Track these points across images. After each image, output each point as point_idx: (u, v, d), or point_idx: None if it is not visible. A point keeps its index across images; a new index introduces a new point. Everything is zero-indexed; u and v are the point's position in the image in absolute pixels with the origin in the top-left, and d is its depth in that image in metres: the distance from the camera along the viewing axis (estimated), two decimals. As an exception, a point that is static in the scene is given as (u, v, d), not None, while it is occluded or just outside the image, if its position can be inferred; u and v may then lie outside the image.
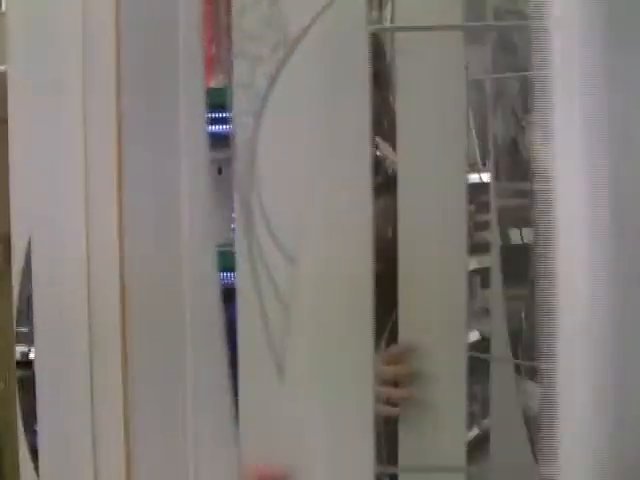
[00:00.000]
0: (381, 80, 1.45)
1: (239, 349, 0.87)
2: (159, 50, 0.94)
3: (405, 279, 1.22)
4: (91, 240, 0.90)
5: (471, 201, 2.81)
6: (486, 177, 2.58)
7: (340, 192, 0.87)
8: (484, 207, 2.86)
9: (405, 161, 1.20)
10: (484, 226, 2.80)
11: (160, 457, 0.89)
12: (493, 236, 1.11)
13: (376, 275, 1.35)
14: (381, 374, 1.24)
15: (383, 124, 1.43)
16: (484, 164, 2.67)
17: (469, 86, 1.29)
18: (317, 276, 0.87)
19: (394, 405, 1.26)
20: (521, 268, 1.35)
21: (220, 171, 1.92)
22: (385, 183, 1.31)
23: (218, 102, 1.97)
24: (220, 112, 2.00)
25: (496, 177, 1.59)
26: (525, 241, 1.51)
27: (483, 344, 2.64)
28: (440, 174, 1.21)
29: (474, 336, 2.68)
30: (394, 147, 1.37)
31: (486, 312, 2.76)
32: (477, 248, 2.84)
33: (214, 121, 2.12)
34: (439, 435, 1.20)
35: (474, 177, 2.53)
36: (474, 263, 2.69)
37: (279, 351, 0.84)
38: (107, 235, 0.89)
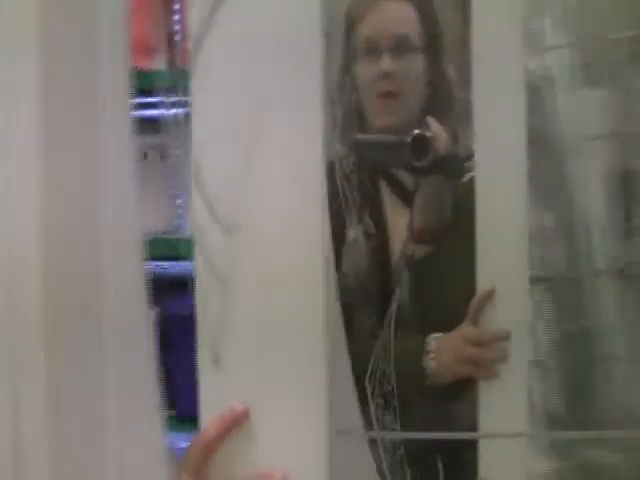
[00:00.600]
0: (435, 49, 1.41)
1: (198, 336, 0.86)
2: (81, 32, 0.92)
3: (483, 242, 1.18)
4: (11, 232, 0.87)
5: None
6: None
7: (288, 166, 0.84)
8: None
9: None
10: None
11: (84, 444, 0.87)
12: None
13: (422, 256, 1.35)
14: (465, 354, 1.27)
15: (438, 100, 1.41)
16: None
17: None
18: (262, 254, 0.84)
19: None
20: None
21: (146, 156, 1.90)
22: (435, 163, 1.31)
23: (148, 87, 1.94)
24: (150, 97, 2.01)
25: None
26: None
27: None
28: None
29: None
30: (451, 125, 1.35)
31: None
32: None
33: (144, 106, 2.11)
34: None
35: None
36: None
37: (215, 337, 0.83)
38: (29, 224, 0.86)
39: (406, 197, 1.39)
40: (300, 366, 0.85)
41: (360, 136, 1.41)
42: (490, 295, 1.21)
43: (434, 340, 1.32)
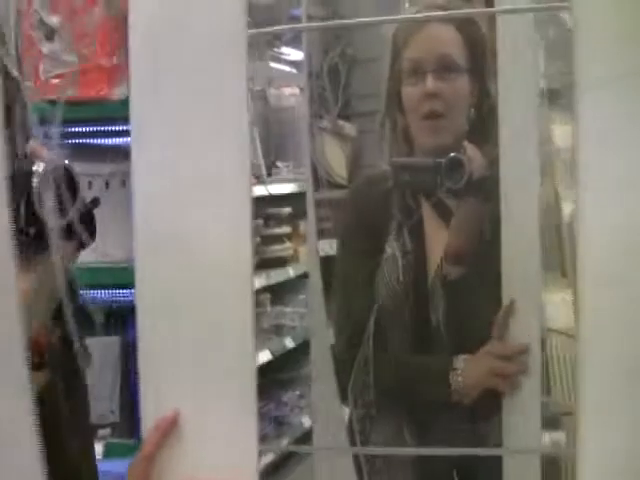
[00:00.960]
0: (480, 70, 1.38)
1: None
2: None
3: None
4: None
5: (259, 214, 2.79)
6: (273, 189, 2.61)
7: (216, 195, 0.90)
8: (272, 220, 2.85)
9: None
10: (275, 240, 2.81)
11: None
12: (310, 248, 1.10)
13: (455, 278, 1.34)
14: (495, 367, 1.26)
15: (483, 121, 1.38)
16: (269, 175, 2.70)
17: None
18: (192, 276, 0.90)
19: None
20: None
21: (107, 185, 1.93)
22: (470, 186, 1.29)
23: (111, 115, 1.95)
24: (113, 125, 2.06)
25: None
26: (321, 254, 1.47)
27: (275, 364, 2.67)
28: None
29: (265, 356, 2.67)
30: (494, 146, 1.29)
31: (276, 330, 2.84)
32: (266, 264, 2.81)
33: (107, 134, 2.17)
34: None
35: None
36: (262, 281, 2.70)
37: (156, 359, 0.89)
38: None
39: (447, 216, 1.39)
40: (230, 378, 0.88)
41: (396, 159, 1.43)
42: (512, 309, 1.21)
43: (462, 360, 1.32)
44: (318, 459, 1.22)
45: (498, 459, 1.21)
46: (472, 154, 1.30)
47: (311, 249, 1.15)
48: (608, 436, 0.89)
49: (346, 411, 1.41)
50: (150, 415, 0.92)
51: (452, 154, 1.31)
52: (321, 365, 1.16)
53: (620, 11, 0.87)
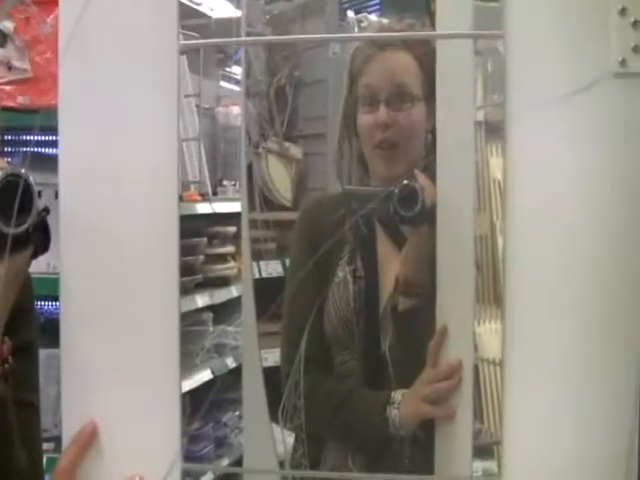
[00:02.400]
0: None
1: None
2: None
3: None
4: None
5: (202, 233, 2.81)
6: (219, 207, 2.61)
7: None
8: (217, 238, 2.85)
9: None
10: (219, 259, 2.79)
11: None
12: (246, 270, 1.11)
13: (405, 308, 1.35)
14: (424, 393, 1.26)
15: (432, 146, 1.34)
16: (215, 193, 2.71)
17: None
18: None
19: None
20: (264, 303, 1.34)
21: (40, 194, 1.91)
22: (423, 214, 1.30)
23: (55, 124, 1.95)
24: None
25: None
26: (264, 275, 1.46)
27: (216, 383, 2.65)
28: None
29: (206, 375, 2.69)
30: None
31: (218, 349, 2.83)
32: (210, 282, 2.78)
33: (49, 144, 2.13)
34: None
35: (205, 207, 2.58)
36: (206, 299, 2.73)
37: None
38: None
39: (401, 242, 1.39)
40: (155, 395, 0.88)
41: (348, 187, 1.43)
42: (444, 335, 1.21)
43: (400, 394, 1.32)
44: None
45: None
46: (424, 182, 1.30)
47: (245, 271, 1.15)
48: (531, 458, 0.90)
49: (291, 437, 1.40)
50: (72, 428, 0.91)
51: (405, 182, 1.32)
52: (252, 388, 1.16)
53: (550, 39, 0.89)
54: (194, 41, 1.08)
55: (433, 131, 1.37)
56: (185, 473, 0.95)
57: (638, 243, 0.93)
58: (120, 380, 0.91)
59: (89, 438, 0.90)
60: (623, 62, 0.91)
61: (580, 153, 0.91)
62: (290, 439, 1.42)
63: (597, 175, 0.92)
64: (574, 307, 0.95)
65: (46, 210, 1.02)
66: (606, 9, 0.91)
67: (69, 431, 0.92)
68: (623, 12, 0.90)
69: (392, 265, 1.40)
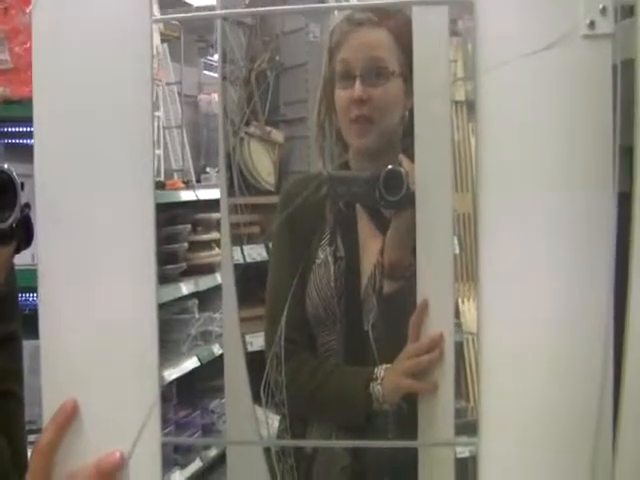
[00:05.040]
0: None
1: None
2: None
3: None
4: None
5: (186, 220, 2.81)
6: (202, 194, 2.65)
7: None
8: (201, 225, 2.86)
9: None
10: (203, 246, 2.82)
11: None
12: (225, 255, 1.11)
13: (390, 292, 1.34)
14: (417, 365, 1.24)
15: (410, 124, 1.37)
16: (198, 181, 2.73)
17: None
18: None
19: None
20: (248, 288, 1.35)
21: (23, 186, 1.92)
22: (408, 198, 1.26)
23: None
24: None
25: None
26: (248, 260, 1.47)
27: (202, 371, 2.69)
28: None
29: (192, 363, 2.69)
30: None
31: (204, 337, 2.85)
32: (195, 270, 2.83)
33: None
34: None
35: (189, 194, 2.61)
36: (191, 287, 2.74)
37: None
38: None
39: (382, 224, 1.39)
40: (133, 373, 0.89)
41: (333, 172, 1.42)
42: (425, 309, 1.20)
43: (383, 369, 1.33)
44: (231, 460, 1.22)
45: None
46: (408, 166, 1.30)
47: (225, 257, 1.15)
48: (508, 430, 0.91)
49: (275, 420, 1.41)
50: (50, 408, 0.92)
51: (390, 167, 1.32)
52: (235, 374, 1.16)
53: (520, 2, 0.90)
54: (169, 16, 1.07)
55: (412, 110, 1.38)
56: (165, 447, 0.95)
57: (603, 197, 0.94)
58: (100, 360, 0.92)
59: (69, 416, 0.89)
60: (591, 24, 0.92)
61: (548, 115, 0.92)
62: (275, 423, 1.43)
63: (564, 137, 0.93)
64: (549, 277, 0.95)
65: (27, 205, 1.01)
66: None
67: (49, 411, 0.92)
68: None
69: (373, 246, 1.40)
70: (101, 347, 0.90)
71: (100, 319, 0.92)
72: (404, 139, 1.36)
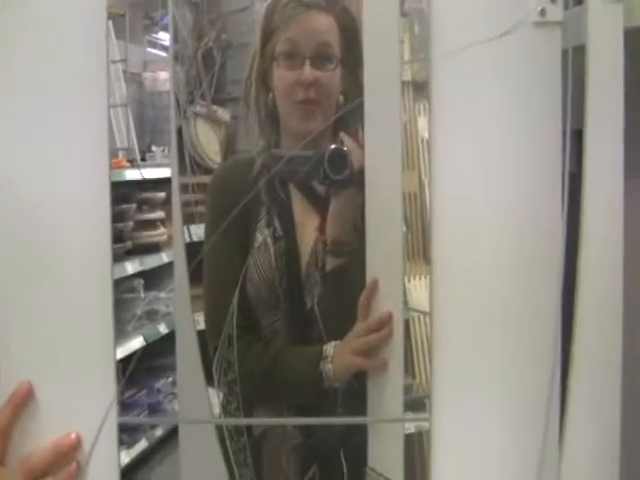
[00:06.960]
0: (352, 59, 1.39)
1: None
2: None
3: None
4: None
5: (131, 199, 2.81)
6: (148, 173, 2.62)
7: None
8: (146, 204, 2.87)
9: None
10: (148, 225, 2.78)
11: None
12: (177, 234, 1.11)
13: (332, 268, 1.36)
14: (366, 343, 1.25)
15: (343, 107, 1.39)
16: (143, 159, 2.71)
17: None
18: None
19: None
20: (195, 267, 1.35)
21: None
22: (351, 177, 1.31)
23: None
24: None
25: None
26: (195, 239, 1.47)
27: (148, 350, 2.61)
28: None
29: (138, 342, 2.69)
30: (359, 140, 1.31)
31: (150, 316, 2.84)
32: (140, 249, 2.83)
33: None
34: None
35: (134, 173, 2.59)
36: (136, 266, 2.73)
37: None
38: None
39: (317, 201, 1.40)
40: (88, 353, 0.89)
41: (276, 150, 1.43)
42: (375, 288, 1.21)
43: (332, 347, 1.34)
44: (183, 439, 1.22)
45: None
46: (350, 145, 1.32)
47: (177, 235, 1.15)
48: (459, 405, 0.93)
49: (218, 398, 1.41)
50: (5, 392, 0.91)
51: (333, 146, 1.33)
52: (186, 353, 1.16)
53: None
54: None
55: (344, 93, 1.39)
56: (122, 427, 0.96)
57: (553, 181, 0.96)
58: (55, 341, 0.92)
59: (24, 397, 0.89)
60: (542, 12, 0.94)
61: (500, 100, 0.94)
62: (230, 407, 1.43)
63: (516, 122, 0.95)
64: (499, 258, 0.97)
65: None
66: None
67: (4, 393, 0.92)
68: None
69: (310, 224, 1.41)
70: (55, 328, 0.90)
71: (54, 299, 0.92)
72: (336, 121, 1.38)
